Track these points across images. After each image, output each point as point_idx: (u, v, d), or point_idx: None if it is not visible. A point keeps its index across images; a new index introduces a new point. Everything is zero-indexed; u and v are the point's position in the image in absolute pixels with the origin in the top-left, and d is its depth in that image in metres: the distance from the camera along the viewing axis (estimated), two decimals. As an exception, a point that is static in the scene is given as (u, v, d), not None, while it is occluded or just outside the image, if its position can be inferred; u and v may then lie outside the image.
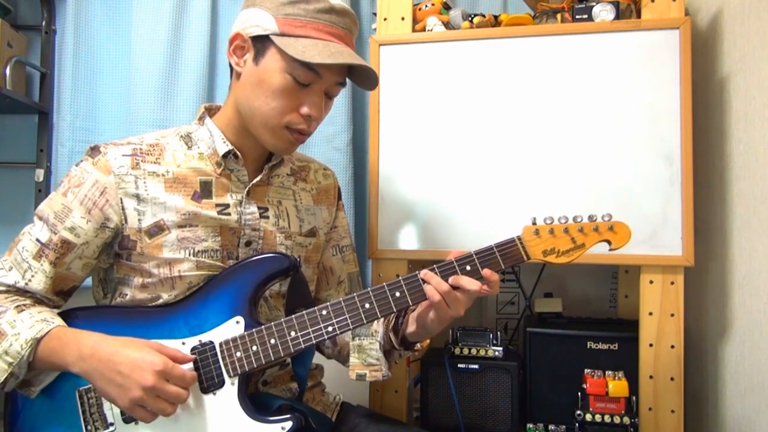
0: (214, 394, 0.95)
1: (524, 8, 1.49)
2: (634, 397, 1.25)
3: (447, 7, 1.44)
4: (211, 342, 0.97)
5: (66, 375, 0.95)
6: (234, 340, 0.96)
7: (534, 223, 0.98)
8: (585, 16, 1.30)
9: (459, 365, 1.34)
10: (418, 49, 1.37)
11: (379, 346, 1.06)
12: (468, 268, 0.96)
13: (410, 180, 1.36)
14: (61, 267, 1.00)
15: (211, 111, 1.10)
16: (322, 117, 1.03)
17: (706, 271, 1.38)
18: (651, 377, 1.24)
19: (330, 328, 0.96)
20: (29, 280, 0.98)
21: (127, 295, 1.02)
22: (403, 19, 1.40)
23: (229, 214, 1.03)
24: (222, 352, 0.96)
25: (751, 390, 1.18)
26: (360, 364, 1.07)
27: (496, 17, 1.41)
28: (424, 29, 1.40)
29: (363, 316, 0.97)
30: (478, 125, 1.33)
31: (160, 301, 1.02)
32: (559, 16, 1.35)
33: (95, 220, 0.99)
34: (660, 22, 1.25)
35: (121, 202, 0.99)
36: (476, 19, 1.37)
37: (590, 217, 0.98)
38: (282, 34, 0.96)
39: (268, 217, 1.08)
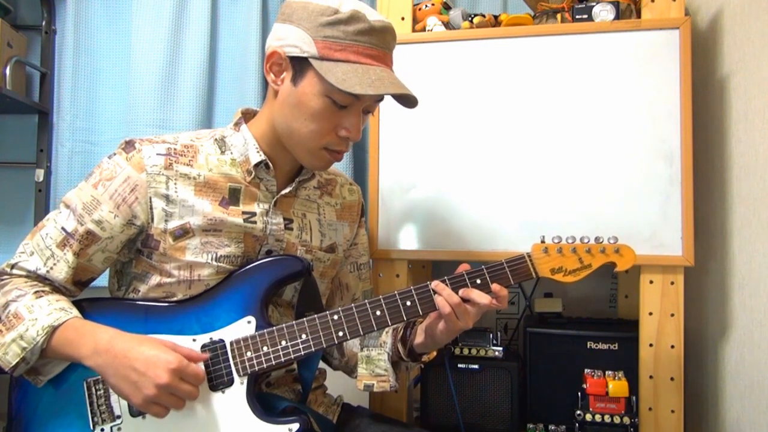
0: (223, 392, 0.95)
1: (524, 8, 1.49)
2: (634, 397, 1.25)
3: (447, 7, 1.44)
4: (222, 340, 0.97)
5: (74, 365, 0.95)
6: (245, 339, 0.97)
7: (543, 241, 1.01)
8: (585, 16, 1.30)
9: (459, 365, 1.34)
10: (418, 49, 1.37)
11: (388, 357, 1.07)
12: (478, 281, 0.98)
13: (410, 180, 1.36)
14: (83, 258, 1.00)
15: (247, 116, 1.09)
16: (359, 137, 1.02)
17: (706, 271, 1.38)
18: (651, 377, 1.24)
19: (341, 333, 0.97)
20: (51, 268, 0.99)
21: (140, 291, 1.03)
22: (403, 19, 1.40)
23: (255, 222, 1.03)
24: (233, 351, 0.96)
25: (751, 390, 1.18)
26: (368, 374, 1.07)
27: (496, 17, 1.41)
28: (424, 29, 1.39)
29: (374, 323, 0.97)
30: (478, 125, 1.33)
31: (174, 299, 1.02)
32: (559, 16, 1.35)
33: (123, 216, 0.99)
34: (660, 22, 1.25)
35: (150, 202, 0.99)
36: (476, 19, 1.37)
37: (597, 239, 1.01)
38: (321, 58, 0.94)
39: (292, 229, 1.08)
